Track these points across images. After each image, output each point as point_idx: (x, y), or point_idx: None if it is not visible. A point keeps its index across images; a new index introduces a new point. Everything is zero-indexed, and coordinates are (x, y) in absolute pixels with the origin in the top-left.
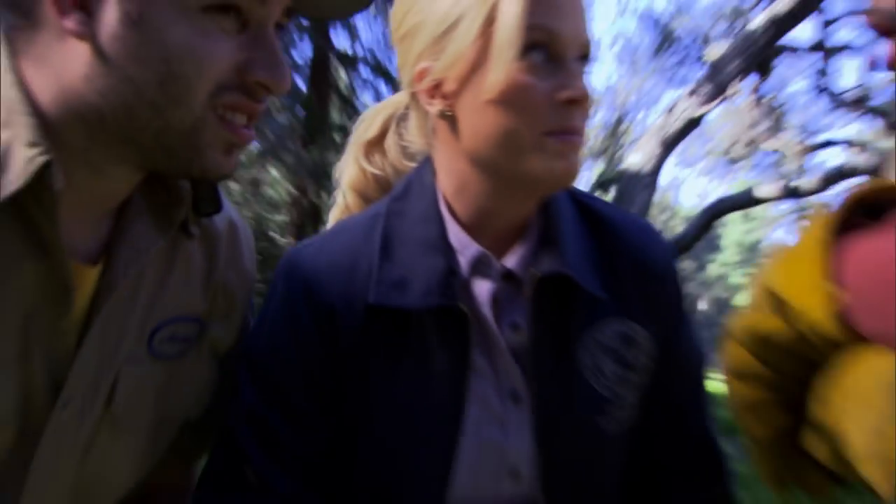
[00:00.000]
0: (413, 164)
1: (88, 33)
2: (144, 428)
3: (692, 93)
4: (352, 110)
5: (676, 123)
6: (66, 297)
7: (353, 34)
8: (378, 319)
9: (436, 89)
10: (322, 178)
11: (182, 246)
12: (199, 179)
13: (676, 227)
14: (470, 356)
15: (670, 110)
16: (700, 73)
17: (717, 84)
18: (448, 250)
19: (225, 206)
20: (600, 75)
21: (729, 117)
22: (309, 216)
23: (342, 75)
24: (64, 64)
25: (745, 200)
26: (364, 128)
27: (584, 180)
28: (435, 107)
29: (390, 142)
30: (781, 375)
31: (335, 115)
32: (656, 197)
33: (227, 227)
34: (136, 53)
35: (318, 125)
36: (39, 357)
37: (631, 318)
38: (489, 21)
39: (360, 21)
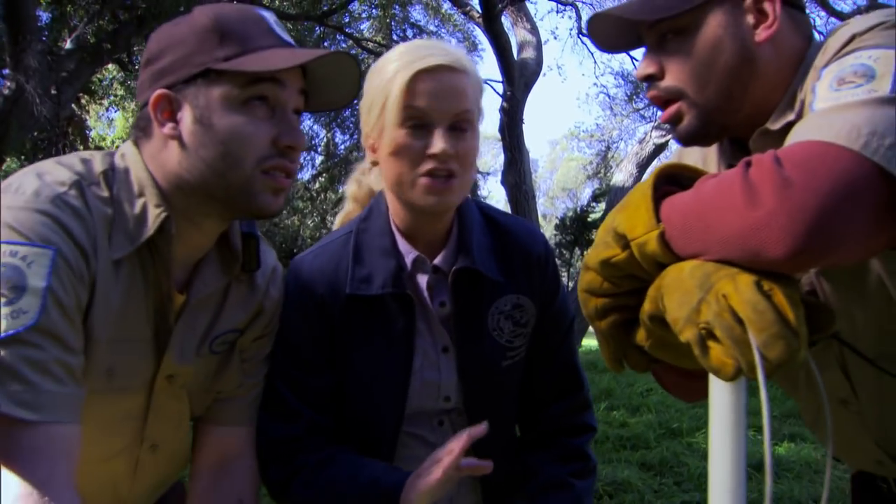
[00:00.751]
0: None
1: (177, 135)
2: (203, 392)
3: (656, 127)
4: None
5: (647, 149)
6: (171, 307)
7: None
8: (354, 304)
9: (371, 148)
10: None
11: (233, 286)
12: (258, 216)
13: None
14: (415, 324)
15: (641, 141)
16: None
17: None
18: (398, 254)
19: (270, 258)
20: (591, 118)
21: None
22: None
23: None
24: (166, 157)
25: None
26: (350, 187)
27: (585, 195)
28: (371, 158)
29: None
30: (618, 289)
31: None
32: None
33: (269, 273)
34: (204, 141)
35: None
36: (161, 338)
37: (520, 292)
38: (384, 105)
39: None
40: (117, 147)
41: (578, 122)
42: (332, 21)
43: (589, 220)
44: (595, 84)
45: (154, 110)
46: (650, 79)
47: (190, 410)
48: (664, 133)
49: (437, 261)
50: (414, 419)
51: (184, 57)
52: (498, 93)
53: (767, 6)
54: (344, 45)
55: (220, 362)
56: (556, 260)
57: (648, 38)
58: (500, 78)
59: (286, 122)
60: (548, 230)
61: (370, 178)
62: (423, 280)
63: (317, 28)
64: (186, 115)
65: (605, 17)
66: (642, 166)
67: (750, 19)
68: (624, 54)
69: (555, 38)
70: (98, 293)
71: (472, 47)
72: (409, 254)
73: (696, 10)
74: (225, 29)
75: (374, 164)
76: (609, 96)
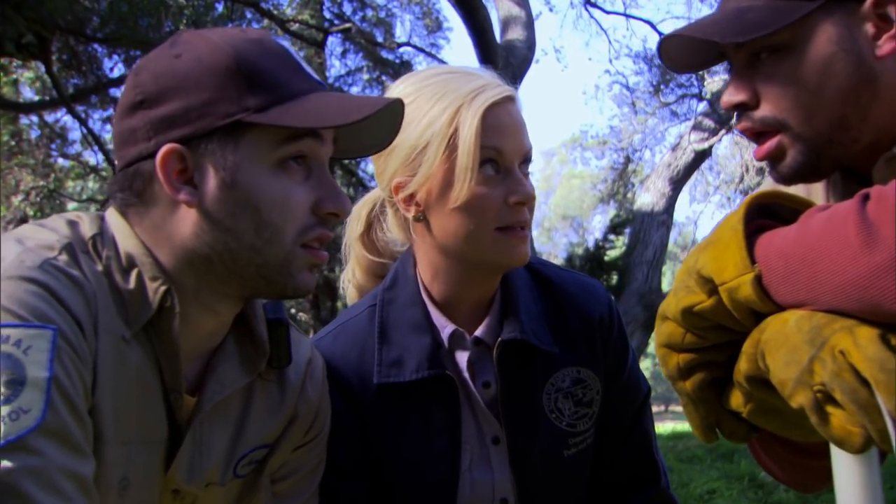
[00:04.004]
0: (399, 248)
1: (196, 201)
2: None
3: (695, 128)
4: (356, 180)
5: (684, 159)
6: (180, 408)
7: None
8: (385, 392)
9: (411, 198)
10: (332, 251)
11: (258, 388)
12: (290, 297)
13: None
14: (460, 412)
15: (674, 148)
16: (701, 107)
17: (719, 116)
18: (432, 328)
19: (304, 348)
20: (602, 119)
21: (737, 148)
22: (323, 290)
23: None
24: (175, 227)
25: None
26: (353, 226)
27: (596, 224)
28: (411, 212)
29: (377, 233)
30: (704, 342)
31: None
32: (675, 235)
33: (305, 366)
34: (234, 210)
35: None
36: (174, 443)
37: (581, 364)
38: (452, 147)
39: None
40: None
41: (585, 124)
42: None
43: (606, 259)
44: (608, 72)
45: (163, 170)
46: (741, 108)
47: None
48: (706, 135)
49: (478, 332)
50: None
51: (202, 104)
52: None
53: (892, 10)
54: (257, 27)
55: (242, 489)
56: None
57: (736, 57)
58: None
59: (327, 184)
60: None
61: (390, 234)
62: (462, 358)
63: (218, 4)
64: (209, 178)
65: (681, 38)
66: (678, 182)
67: (869, 29)
68: (648, 27)
69: (550, 10)
70: (101, 381)
71: (436, 26)
72: (444, 328)
73: (798, 22)
74: (252, 71)
75: (418, 219)
76: (628, 87)
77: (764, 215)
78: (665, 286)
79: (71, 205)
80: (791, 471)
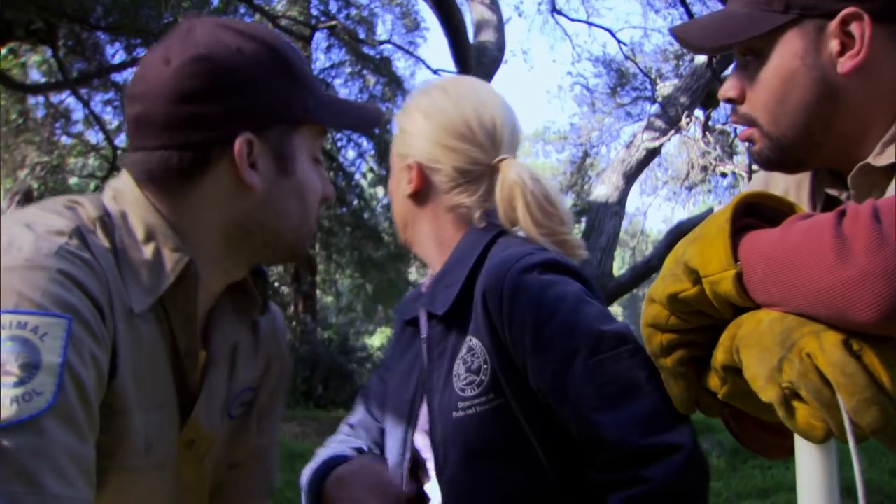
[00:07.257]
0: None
1: (258, 184)
2: (216, 465)
3: (647, 127)
4: (336, 165)
5: (636, 156)
6: (194, 365)
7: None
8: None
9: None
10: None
11: (240, 338)
12: (295, 259)
13: (646, 250)
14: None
15: (628, 145)
16: (653, 108)
17: (669, 118)
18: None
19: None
20: (563, 116)
21: (683, 147)
22: (303, 265)
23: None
24: (232, 203)
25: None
26: None
27: None
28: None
29: None
30: (687, 325)
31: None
32: (625, 224)
33: (272, 317)
34: (286, 193)
35: None
36: (183, 400)
37: (474, 334)
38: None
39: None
40: (97, 188)
41: (548, 120)
42: None
43: None
44: (570, 73)
45: (239, 156)
46: (732, 101)
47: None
48: (657, 135)
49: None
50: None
51: (274, 101)
52: None
53: (855, 29)
54: (250, 20)
55: (235, 429)
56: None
57: (737, 55)
58: (452, 67)
59: (323, 174)
60: None
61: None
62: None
63: None
64: (270, 165)
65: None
66: (630, 176)
67: (834, 45)
68: (608, 34)
69: (520, 15)
70: (121, 356)
71: (414, 26)
72: (423, 284)
73: (768, 33)
74: (302, 73)
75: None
76: (587, 88)
77: (752, 214)
78: (616, 270)
79: (72, 179)
80: (759, 444)
